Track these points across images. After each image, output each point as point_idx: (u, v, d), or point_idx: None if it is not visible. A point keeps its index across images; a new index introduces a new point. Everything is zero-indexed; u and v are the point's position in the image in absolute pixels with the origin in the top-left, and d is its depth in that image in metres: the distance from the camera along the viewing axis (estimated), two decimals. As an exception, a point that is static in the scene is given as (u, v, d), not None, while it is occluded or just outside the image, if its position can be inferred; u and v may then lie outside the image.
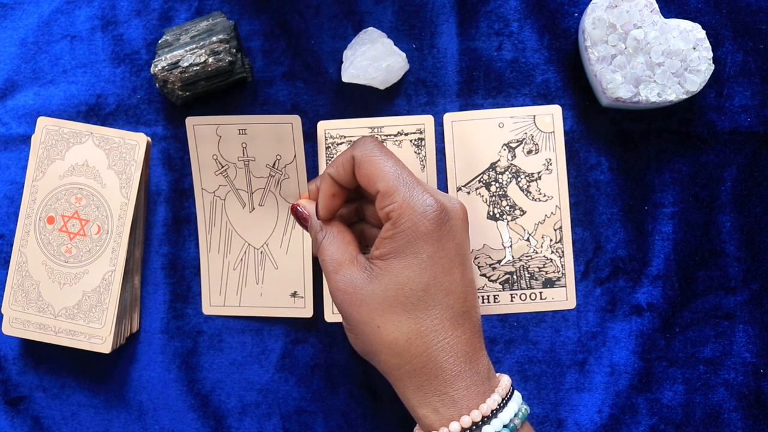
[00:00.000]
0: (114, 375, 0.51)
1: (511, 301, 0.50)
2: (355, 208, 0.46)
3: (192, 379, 0.50)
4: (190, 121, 0.48)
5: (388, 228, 0.39)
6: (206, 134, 0.48)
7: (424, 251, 0.38)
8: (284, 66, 0.52)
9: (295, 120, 0.47)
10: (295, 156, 0.47)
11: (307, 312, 0.49)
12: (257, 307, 0.49)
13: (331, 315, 0.49)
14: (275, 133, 0.47)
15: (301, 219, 0.44)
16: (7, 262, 0.51)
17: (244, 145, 0.47)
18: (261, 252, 0.48)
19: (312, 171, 0.51)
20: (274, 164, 0.48)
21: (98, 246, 0.49)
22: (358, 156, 0.40)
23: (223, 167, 0.48)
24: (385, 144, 0.51)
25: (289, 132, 0.47)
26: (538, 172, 0.51)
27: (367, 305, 0.38)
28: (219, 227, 0.49)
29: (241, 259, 0.49)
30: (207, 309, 0.50)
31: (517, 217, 0.50)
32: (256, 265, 0.49)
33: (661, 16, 0.48)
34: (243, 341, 0.50)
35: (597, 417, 0.49)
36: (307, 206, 0.45)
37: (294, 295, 0.49)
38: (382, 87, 0.50)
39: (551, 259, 0.50)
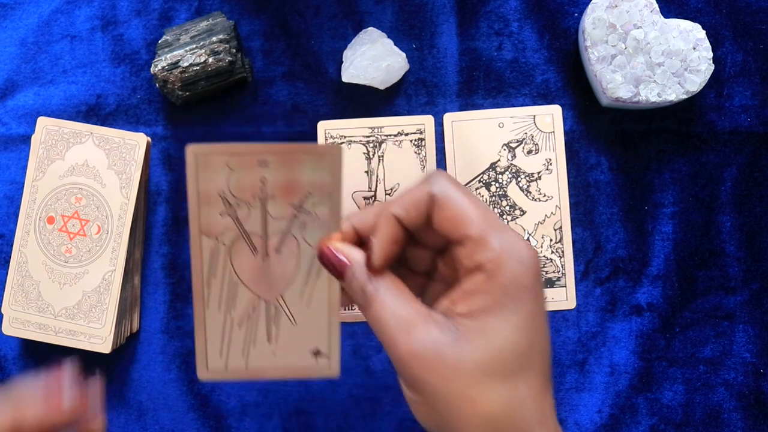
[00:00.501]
0: (114, 375, 0.51)
1: (511, 301, 0.50)
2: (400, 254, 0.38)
3: (192, 379, 0.50)
4: (192, 150, 0.37)
5: (480, 280, 0.32)
6: (214, 166, 0.37)
7: (526, 308, 0.32)
8: (284, 66, 0.52)
9: (336, 150, 0.37)
10: (331, 194, 0.37)
11: (334, 371, 0.40)
12: (269, 368, 0.40)
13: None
14: (308, 166, 0.37)
15: (337, 266, 0.35)
16: (7, 262, 0.51)
17: (263, 180, 0.38)
18: (275, 306, 0.39)
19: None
20: (301, 203, 0.38)
21: (98, 246, 0.49)
22: (438, 195, 0.33)
23: (232, 207, 0.38)
24: (385, 144, 0.51)
25: (326, 164, 0.37)
26: (538, 172, 0.51)
27: (456, 374, 0.31)
28: (220, 279, 0.40)
29: (249, 316, 0.40)
30: (203, 373, 0.40)
31: (517, 217, 0.50)
32: (269, 322, 0.40)
33: (661, 16, 0.48)
34: (243, 341, 0.50)
35: (597, 417, 0.49)
36: (346, 250, 0.35)
37: (317, 353, 0.40)
38: (382, 87, 0.50)
39: (551, 259, 0.50)
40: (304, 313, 0.39)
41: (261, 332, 0.40)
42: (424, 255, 0.37)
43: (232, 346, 0.40)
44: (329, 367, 0.40)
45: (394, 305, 0.33)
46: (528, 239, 0.50)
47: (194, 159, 0.37)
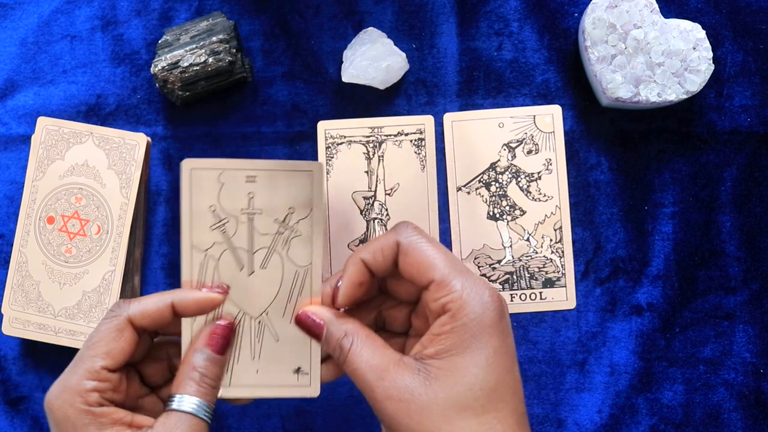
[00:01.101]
0: (114, 375, 0.51)
1: (511, 301, 0.50)
2: (374, 318, 0.41)
3: (192, 379, 0.50)
4: (187, 165, 0.39)
5: (445, 321, 0.34)
6: (206, 181, 0.39)
7: (490, 345, 0.33)
8: (284, 66, 0.52)
9: (317, 167, 0.39)
10: (311, 210, 0.39)
11: (314, 391, 0.41)
12: (252, 386, 0.40)
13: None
14: (291, 182, 0.39)
15: (313, 328, 0.38)
16: (7, 262, 0.51)
17: (250, 195, 0.40)
18: (259, 322, 0.40)
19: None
20: (285, 219, 0.40)
21: (98, 246, 0.49)
22: (404, 243, 0.36)
23: (221, 221, 0.40)
24: (385, 144, 0.51)
25: (308, 181, 0.39)
26: (538, 172, 0.51)
27: (429, 413, 0.33)
28: None
29: (234, 331, 0.40)
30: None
31: (517, 217, 0.50)
32: (252, 338, 0.40)
33: (661, 16, 0.48)
34: (243, 341, 0.50)
35: (597, 417, 0.49)
36: (319, 312, 0.38)
37: (298, 371, 0.41)
38: (382, 87, 0.50)
39: (551, 259, 0.50)
40: (287, 330, 0.40)
41: (245, 349, 0.40)
42: (399, 314, 0.40)
43: None
44: (309, 385, 0.40)
45: (367, 355, 0.35)
46: (528, 239, 0.50)
47: (189, 173, 0.39)
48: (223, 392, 0.40)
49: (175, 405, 0.36)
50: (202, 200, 0.39)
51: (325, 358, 0.40)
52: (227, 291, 0.39)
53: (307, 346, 0.40)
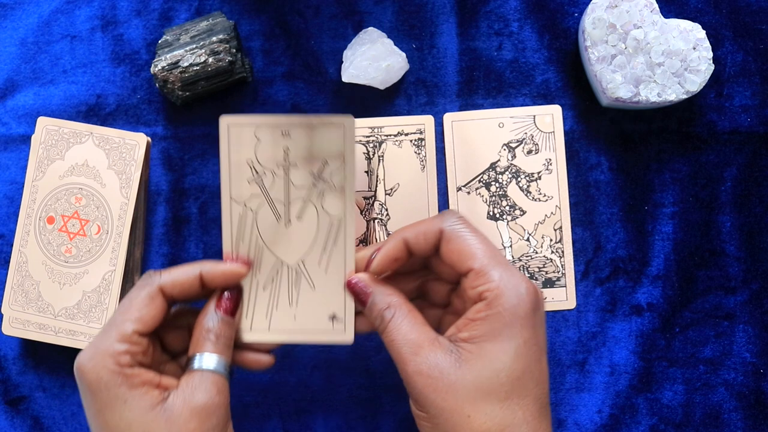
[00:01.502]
0: (114, 375, 0.51)
1: (511, 301, 0.50)
2: (417, 287, 0.43)
3: (192, 379, 0.50)
4: (225, 121, 0.41)
5: (480, 309, 0.36)
6: (243, 136, 0.41)
7: (521, 336, 0.35)
8: (284, 66, 0.52)
9: (348, 121, 0.41)
10: (344, 162, 0.41)
11: (348, 337, 0.43)
12: (290, 331, 0.43)
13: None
14: (324, 136, 0.41)
15: (360, 295, 0.40)
16: (7, 262, 0.51)
17: (286, 149, 0.42)
18: (296, 271, 0.42)
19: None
20: (319, 172, 0.42)
21: (98, 246, 0.49)
22: (447, 230, 0.38)
23: (258, 174, 0.42)
24: (385, 144, 0.51)
25: (340, 134, 0.41)
26: (538, 172, 0.51)
27: (455, 392, 0.35)
28: (248, 242, 0.43)
29: (273, 279, 0.43)
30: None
31: (517, 217, 0.50)
32: (290, 285, 0.43)
33: (661, 16, 0.48)
34: (243, 341, 0.50)
35: (597, 417, 0.50)
36: (367, 281, 0.40)
37: (333, 318, 0.43)
38: (382, 87, 0.50)
39: (551, 259, 0.50)
40: (323, 278, 0.42)
41: (283, 295, 0.43)
42: (441, 288, 0.42)
43: (257, 307, 0.43)
44: (344, 331, 0.43)
45: (406, 329, 0.37)
46: (528, 239, 0.50)
47: (226, 129, 0.41)
48: (263, 336, 0.42)
49: (195, 364, 0.38)
50: (240, 154, 0.42)
51: (359, 312, 0.42)
52: (251, 263, 0.42)
53: (342, 295, 0.42)
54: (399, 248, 0.39)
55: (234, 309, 0.40)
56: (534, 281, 0.50)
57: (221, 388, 0.38)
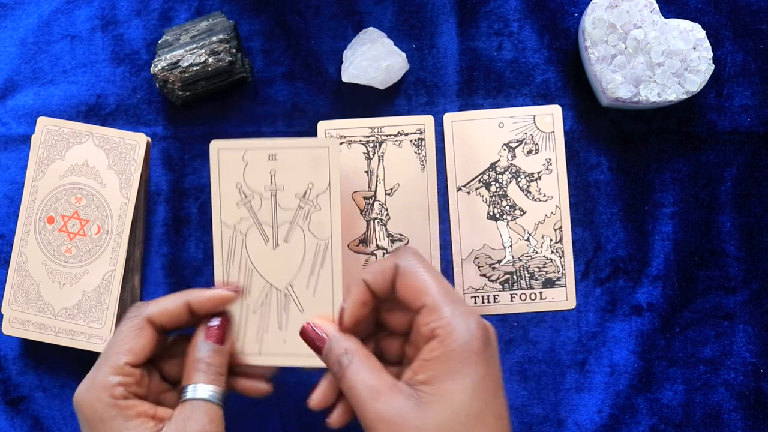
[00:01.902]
0: (114, 375, 0.51)
1: (511, 301, 0.50)
2: (372, 349, 0.42)
3: (192, 379, 0.50)
4: (215, 146, 0.43)
5: (434, 347, 0.36)
6: (232, 160, 0.43)
7: (477, 372, 0.35)
8: (284, 66, 0.52)
9: (332, 144, 0.42)
10: (329, 185, 0.42)
11: None
12: (280, 355, 0.43)
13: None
14: (309, 159, 0.42)
15: (316, 341, 0.39)
16: (7, 262, 0.51)
17: (272, 173, 0.43)
18: (285, 294, 0.43)
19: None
20: (305, 194, 0.43)
21: (98, 246, 0.49)
22: (402, 266, 0.38)
23: (247, 198, 0.43)
24: (385, 144, 0.51)
25: (325, 157, 0.42)
26: (538, 172, 0.51)
27: None
28: (238, 265, 0.43)
29: (262, 302, 0.43)
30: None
31: (517, 217, 0.50)
32: (279, 309, 0.43)
33: (661, 16, 0.48)
34: (243, 341, 0.50)
35: (597, 417, 0.49)
36: (324, 326, 0.40)
37: None
38: (382, 87, 0.50)
39: (551, 259, 0.50)
40: (311, 301, 0.43)
41: (273, 319, 0.43)
42: (394, 344, 0.41)
43: (248, 331, 0.43)
44: None
45: (364, 375, 0.37)
46: (528, 239, 0.50)
47: (216, 154, 0.43)
48: (255, 359, 0.42)
49: (188, 394, 0.38)
50: (230, 178, 0.43)
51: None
52: (240, 290, 0.42)
53: (331, 318, 0.42)
54: (363, 291, 0.39)
55: (223, 336, 0.40)
56: (534, 281, 0.50)
57: (214, 417, 0.38)
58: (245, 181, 0.43)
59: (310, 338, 0.40)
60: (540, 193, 0.50)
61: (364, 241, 0.51)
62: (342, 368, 0.38)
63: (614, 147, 0.51)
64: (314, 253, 0.42)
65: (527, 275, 0.50)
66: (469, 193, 0.51)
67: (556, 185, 0.50)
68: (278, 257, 0.43)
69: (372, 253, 0.50)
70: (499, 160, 0.51)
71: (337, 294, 0.42)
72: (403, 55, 0.50)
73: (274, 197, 0.43)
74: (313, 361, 0.41)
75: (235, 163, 0.43)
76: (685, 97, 0.48)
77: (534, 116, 0.51)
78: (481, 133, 0.51)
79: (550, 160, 0.51)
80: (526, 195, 0.50)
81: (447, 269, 0.50)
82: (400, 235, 0.50)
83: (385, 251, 0.50)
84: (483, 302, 0.50)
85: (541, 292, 0.50)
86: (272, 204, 0.43)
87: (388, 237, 0.50)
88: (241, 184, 0.43)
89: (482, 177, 0.51)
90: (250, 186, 0.43)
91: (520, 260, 0.50)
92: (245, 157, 0.43)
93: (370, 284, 0.39)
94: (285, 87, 0.52)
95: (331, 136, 0.51)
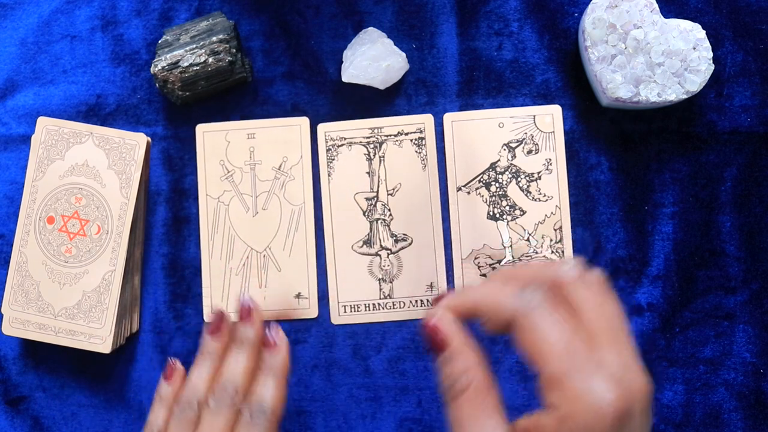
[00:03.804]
0: (114, 375, 0.51)
1: (511, 301, 0.50)
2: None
3: (192, 379, 0.50)
4: (200, 129, 0.50)
5: (552, 421, 0.29)
6: (215, 141, 0.50)
7: None
8: (284, 66, 0.52)
9: (303, 122, 0.49)
10: (301, 157, 0.49)
11: (312, 312, 0.49)
12: (261, 310, 0.45)
13: (338, 317, 0.50)
14: (283, 135, 0.49)
15: (439, 344, 0.33)
16: (7, 262, 0.51)
17: (251, 149, 0.49)
18: (264, 255, 0.49)
19: (315, 171, 0.51)
20: (280, 166, 0.49)
21: (98, 246, 0.49)
22: (520, 315, 0.31)
23: (229, 172, 0.50)
24: (385, 144, 0.51)
25: (297, 133, 0.49)
26: (538, 172, 0.51)
27: None
28: (222, 233, 0.50)
29: (244, 264, 0.49)
30: (209, 316, 0.50)
31: (517, 217, 0.50)
32: (259, 269, 0.49)
33: (661, 16, 0.48)
34: (243, 341, 0.50)
35: (597, 417, 0.49)
36: (450, 326, 0.33)
37: (298, 296, 0.49)
38: (382, 87, 0.50)
39: (551, 259, 0.50)
40: (287, 261, 0.49)
41: (253, 279, 0.49)
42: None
43: (231, 291, 0.49)
44: (308, 307, 0.50)
45: (473, 412, 0.31)
46: (528, 239, 0.50)
47: (202, 135, 0.50)
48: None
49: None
50: (214, 156, 0.50)
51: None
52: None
53: (306, 275, 0.49)
54: (470, 307, 0.33)
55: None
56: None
57: None
58: (227, 158, 0.50)
59: (436, 338, 0.33)
60: (540, 193, 0.50)
61: (368, 242, 0.51)
62: (455, 391, 0.32)
63: (614, 147, 0.51)
64: (289, 218, 0.49)
65: (527, 275, 0.50)
66: (469, 193, 0.51)
67: (556, 185, 0.50)
68: (257, 223, 0.49)
69: (376, 254, 0.50)
70: (499, 160, 0.51)
71: (310, 253, 0.49)
72: (403, 55, 0.50)
73: (253, 170, 0.50)
74: (292, 313, 0.48)
75: (218, 143, 0.50)
76: (685, 97, 0.48)
77: (534, 116, 0.51)
78: (481, 133, 0.51)
79: (550, 160, 0.51)
80: (526, 195, 0.50)
81: (447, 269, 0.50)
82: (404, 234, 0.50)
83: (389, 251, 0.50)
84: (483, 302, 0.50)
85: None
86: (251, 176, 0.49)
87: (391, 237, 0.50)
88: (224, 161, 0.50)
89: (482, 177, 0.51)
90: (231, 162, 0.50)
91: (520, 260, 0.50)
92: (227, 137, 0.50)
93: (480, 312, 0.33)
94: (285, 87, 0.52)
95: (331, 138, 0.51)
